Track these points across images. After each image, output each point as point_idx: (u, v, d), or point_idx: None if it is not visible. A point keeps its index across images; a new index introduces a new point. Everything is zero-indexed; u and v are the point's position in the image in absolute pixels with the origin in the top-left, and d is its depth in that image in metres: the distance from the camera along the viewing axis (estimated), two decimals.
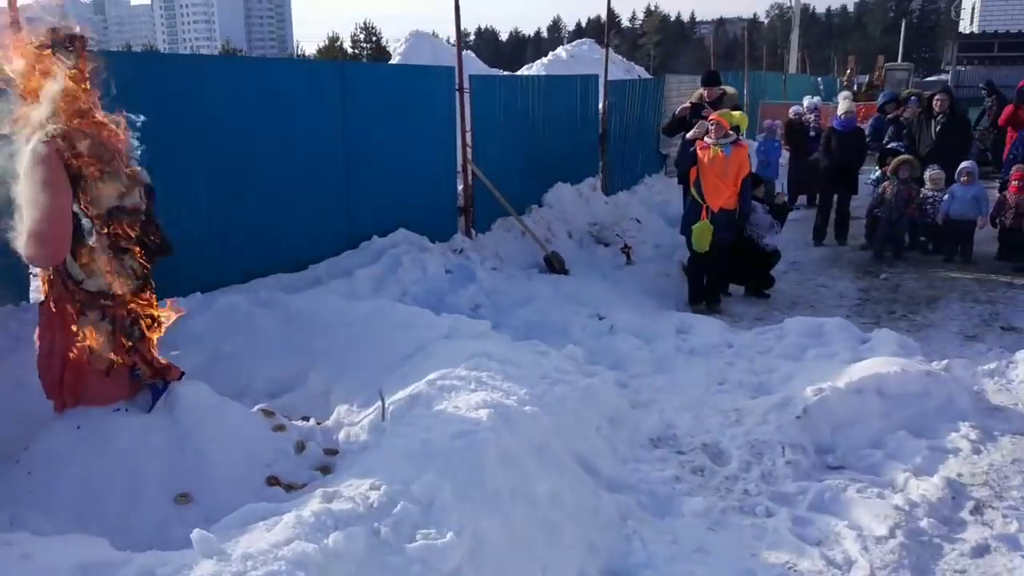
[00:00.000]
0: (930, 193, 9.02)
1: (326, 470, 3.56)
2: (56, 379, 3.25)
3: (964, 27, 21.27)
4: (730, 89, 8.80)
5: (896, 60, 36.51)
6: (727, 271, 7.60)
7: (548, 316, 5.88)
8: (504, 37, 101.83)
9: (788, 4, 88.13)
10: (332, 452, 3.72)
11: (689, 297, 7.56)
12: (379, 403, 3.71)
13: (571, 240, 9.12)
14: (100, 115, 3.13)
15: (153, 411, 3.35)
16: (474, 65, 11.59)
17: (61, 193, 2.95)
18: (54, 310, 3.20)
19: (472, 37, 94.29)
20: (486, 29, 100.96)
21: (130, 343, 3.29)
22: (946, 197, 8.85)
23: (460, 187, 7.78)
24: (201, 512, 3.06)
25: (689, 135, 7.24)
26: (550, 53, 13.38)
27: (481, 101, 7.83)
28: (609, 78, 10.76)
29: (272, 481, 3.40)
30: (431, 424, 3.05)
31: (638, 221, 10.40)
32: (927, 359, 4.78)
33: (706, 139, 7.11)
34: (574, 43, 13.66)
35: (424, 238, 7.02)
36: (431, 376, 3.60)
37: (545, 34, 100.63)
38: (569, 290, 6.94)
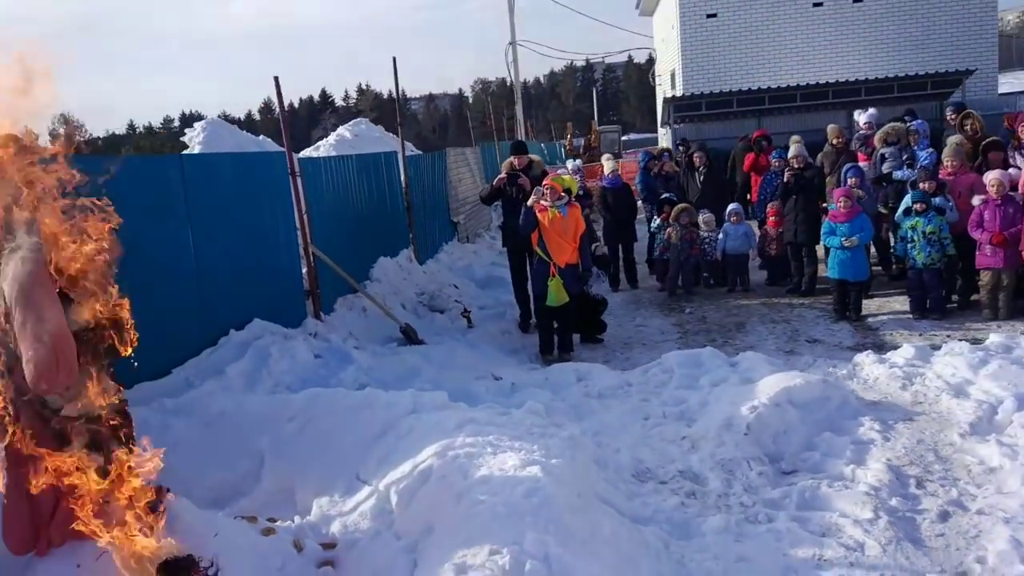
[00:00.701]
0: (706, 234, 10.43)
1: (328, 563, 3.29)
2: (37, 522, 2.63)
3: (667, 91, 24.93)
4: (535, 157, 9.51)
5: (591, 123, 41.43)
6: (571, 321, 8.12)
7: (444, 385, 5.83)
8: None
9: (490, 79, 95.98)
10: (330, 546, 3.42)
11: (541, 348, 7.94)
12: (366, 488, 3.49)
13: (406, 311, 9.10)
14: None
15: None
16: (272, 147, 11.19)
17: (60, 308, 2.48)
18: (25, 449, 2.60)
19: (177, 124, 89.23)
20: (192, 114, 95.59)
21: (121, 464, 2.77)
22: (721, 236, 10.30)
23: (304, 270, 7.45)
24: None
25: (529, 202, 7.70)
26: (332, 134, 13.34)
27: (311, 183, 7.66)
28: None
29: None
30: (497, 489, 2.96)
31: (456, 287, 10.67)
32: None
33: (543, 202, 7.62)
34: (351, 123, 13.79)
35: (279, 326, 6.63)
36: (432, 449, 3.47)
37: (257, 116, 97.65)
38: (439, 359, 6.94)
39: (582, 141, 34.11)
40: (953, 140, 8.46)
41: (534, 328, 8.90)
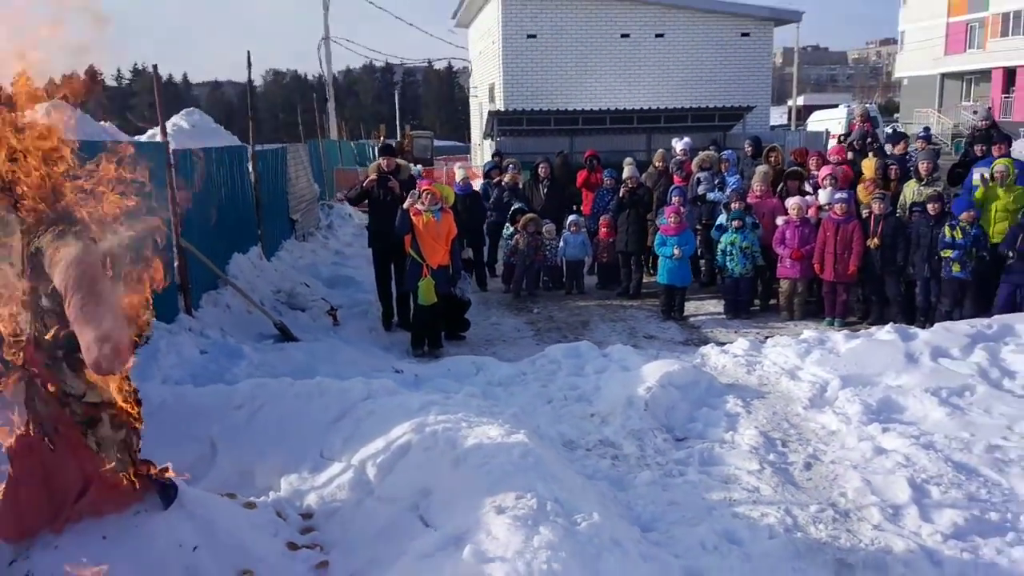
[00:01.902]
0: (548, 241, 11.34)
1: (309, 531, 3.54)
2: (57, 504, 2.61)
3: (483, 103, 26.02)
4: (402, 162, 9.81)
5: (392, 125, 41.88)
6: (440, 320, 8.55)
7: (347, 378, 6.03)
8: None
9: (283, 69, 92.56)
10: (307, 516, 3.64)
11: (412, 343, 8.30)
12: (336, 464, 3.74)
13: (260, 311, 8.96)
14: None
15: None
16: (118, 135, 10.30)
17: (117, 296, 2.53)
18: (46, 437, 2.60)
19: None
20: None
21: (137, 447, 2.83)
22: (561, 243, 11.25)
23: (175, 264, 7.17)
24: None
25: (406, 205, 8.01)
26: (169, 123, 12.49)
27: (181, 176, 7.42)
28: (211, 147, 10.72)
29: (292, 546, 3.29)
30: (493, 453, 3.37)
31: (307, 285, 10.64)
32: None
33: (418, 206, 7.99)
34: (185, 112, 13.01)
35: (159, 322, 6.39)
36: (405, 427, 3.80)
37: None
38: (323, 355, 7.05)
39: (393, 144, 34.26)
40: (761, 169, 10.03)
41: (396, 327, 9.21)
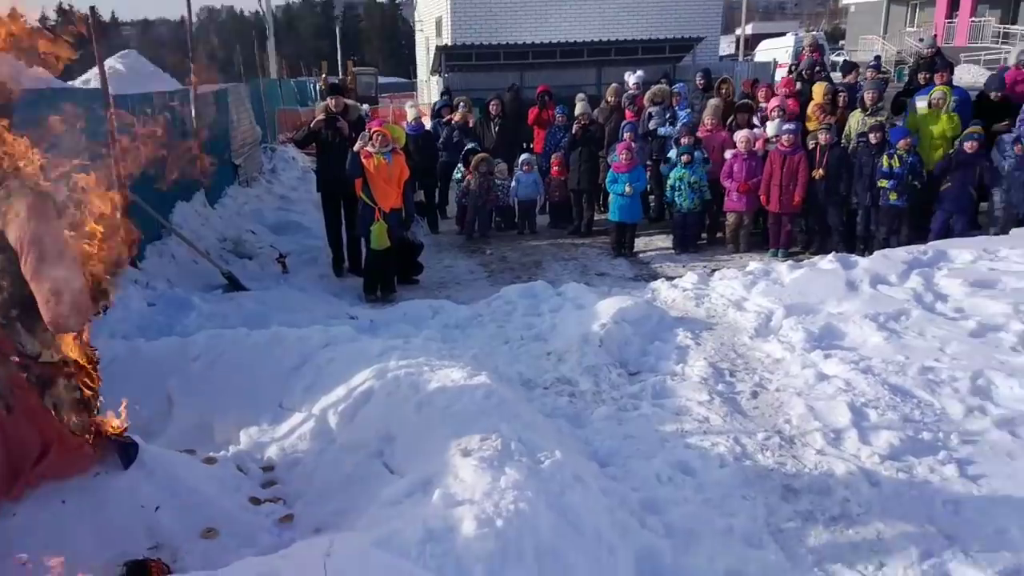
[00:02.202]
0: (500, 182, 11.27)
1: (271, 484, 3.58)
2: (16, 467, 2.59)
3: (430, 38, 25.36)
4: (351, 101, 9.56)
5: (334, 61, 40.53)
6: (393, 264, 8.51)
7: (303, 325, 6.00)
8: None
9: (217, 6, 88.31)
10: (268, 468, 3.68)
11: (365, 288, 8.27)
12: (296, 415, 3.77)
13: (208, 261, 8.79)
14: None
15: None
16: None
17: (74, 251, 2.47)
18: (2, 400, 2.56)
19: None
20: None
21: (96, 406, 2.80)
22: (513, 184, 11.20)
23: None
24: (233, 540, 2.93)
25: (356, 147, 7.85)
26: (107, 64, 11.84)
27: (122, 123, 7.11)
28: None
29: (254, 501, 3.33)
30: (457, 396, 3.43)
31: (254, 232, 10.44)
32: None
33: (368, 148, 7.84)
34: (120, 55, 12.33)
35: None
36: (366, 373, 3.84)
37: None
38: (275, 303, 6.99)
39: (336, 81, 33.31)
40: (712, 103, 10.07)
41: (347, 272, 9.13)
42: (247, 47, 24.50)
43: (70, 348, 2.76)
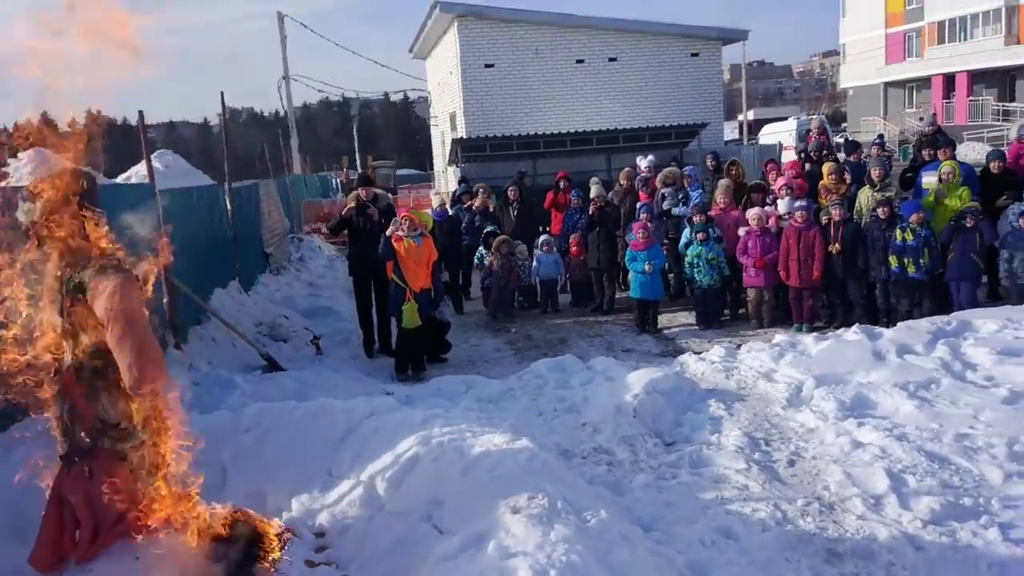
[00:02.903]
0: (521, 262, 11.56)
1: (323, 549, 3.67)
2: (94, 533, 2.72)
3: (445, 131, 26.33)
4: (379, 190, 10.00)
5: (352, 156, 42.03)
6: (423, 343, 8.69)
7: None
8: None
9: (238, 108, 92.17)
10: (320, 534, 3.76)
11: (397, 368, 8.43)
12: (345, 482, 3.88)
13: (247, 343, 9.02)
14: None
15: None
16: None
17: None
18: (86, 466, 2.73)
19: None
20: None
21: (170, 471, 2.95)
22: (534, 263, 11.49)
23: (165, 301, 7.23)
24: None
25: (388, 231, 8.20)
26: (140, 164, 12.54)
27: (169, 215, 7.53)
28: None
29: (309, 564, 3.43)
30: (501, 459, 3.53)
31: (286, 318, 10.70)
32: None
33: (399, 232, 8.17)
34: (157, 154, 13.06)
35: None
36: (411, 440, 3.95)
37: None
38: (312, 382, 7.15)
39: (356, 175, 34.38)
40: (723, 183, 10.43)
41: (378, 352, 9.32)
42: (272, 145, 25.51)
43: (146, 416, 2.92)
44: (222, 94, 9.98)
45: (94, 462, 2.78)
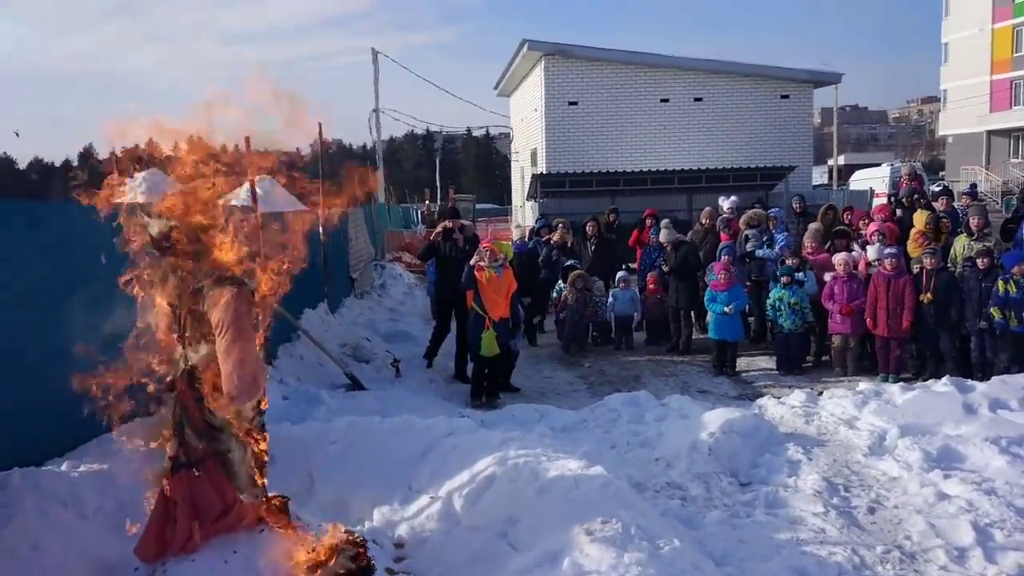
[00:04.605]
0: (598, 298, 11.63)
1: (401, 559, 3.81)
2: (197, 523, 2.96)
3: (524, 167, 26.79)
4: (466, 222, 10.36)
5: (434, 189, 43.17)
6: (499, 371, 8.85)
7: None
8: (23, 166, 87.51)
9: (346, 141, 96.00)
10: (399, 545, 3.92)
11: (472, 394, 8.61)
12: (424, 496, 4.03)
13: (333, 362, 9.39)
14: None
15: None
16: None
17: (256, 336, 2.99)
18: (194, 466, 2.99)
19: None
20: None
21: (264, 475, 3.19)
22: (610, 300, 11.54)
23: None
24: None
25: (472, 261, 8.47)
26: (241, 190, 13.32)
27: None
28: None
29: (390, 572, 3.57)
30: (575, 483, 3.63)
31: (368, 340, 11.07)
32: None
33: (481, 263, 8.41)
34: (257, 179, 13.83)
35: None
36: (488, 460, 4.09)
37: (76, 162, 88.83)
38: (392, 402, 7.39)
39: (437, 207, 35.23)
40: (813, 226, 10.29)
41: (453, 379, 9.54)
42: (364, 174, 26.47)
43: (245, 425, 3.17)
44: (320, 125, 10.52)
45: (199, 463, 3.02)
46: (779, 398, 7.27)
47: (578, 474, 3.81)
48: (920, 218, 9.65)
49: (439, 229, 9.70)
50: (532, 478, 3.85)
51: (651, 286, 11.55)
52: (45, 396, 3.92)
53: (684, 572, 3.00)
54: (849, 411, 6.38)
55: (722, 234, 11.53)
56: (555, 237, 12.81)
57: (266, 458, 3.33)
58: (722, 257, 10.34)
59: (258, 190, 12.32)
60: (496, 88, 32.10)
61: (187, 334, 3.10)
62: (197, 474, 3.03)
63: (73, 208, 3.66)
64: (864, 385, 7.19)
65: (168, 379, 3.14)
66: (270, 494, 3.39)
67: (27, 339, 4.00)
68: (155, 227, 3.26)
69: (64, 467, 3.96)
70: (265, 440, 3.34)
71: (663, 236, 11.37)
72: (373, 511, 4.12)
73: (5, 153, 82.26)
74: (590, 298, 11.50)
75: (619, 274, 11.70)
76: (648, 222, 12.38)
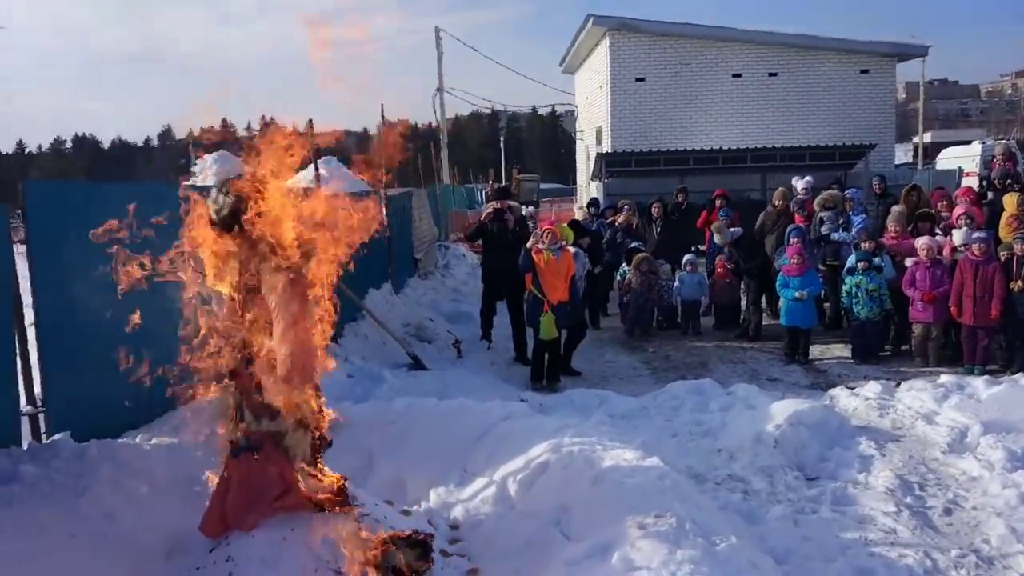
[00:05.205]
0: (664, 281, 11.39)
1: (456, 541, 3.81)
2: (259, 503, 3.03)
3: (590, 146, 26.47)
4: (514, 204, 10.32)
5: (498, 168, 43.09)
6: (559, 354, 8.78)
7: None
8: (106, 145, 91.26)
9: (393, 120, 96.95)
10: (454, 527, 3.93)
11: (532, 376, 8.58)
12: (479, 480, 4.03)
13: (396, 341, 9.52)
14: None
15: None
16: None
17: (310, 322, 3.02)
18: (252, 447, 3.05)
19: (68, 145, 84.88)
20: (85, 136, 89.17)
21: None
22: (677, 283, 11.29)
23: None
24: None
25: (528, 244, 8.41)
26: (309, 169, 13.60)
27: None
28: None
29: (444, 553, 3.59)
30: (630, 474, 3.56)
31: (431, 320, 11.16)
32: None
33: (539, 245, 8.33)
34: (322, 160, 14.06)
35: None
36: (543, 447, 4.06)
37: (156, 142, 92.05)
38: (453, 382, 7.43)
39: (501, 186, 35.16)
40: (896, 209, 9.79)
41: (514, 361, 9.52)
42: (424, 156, 26.70)
43: (305, 408, 3.21)
44: (382, 107, 10.59)
45: (258, 446, 3.08)
46: (852, 389, 6.97)
47: (634, 465, 3.73)
48: (1012, 200, 9.06)
49: (489, 210, 9.69)
50: (586, 466, 3.79)
51: (720, 270, 11.24)
52: (123, 374, 4.03)
53: (740, 570, 2.90)
54: (928, 405, 6.07)
55: (796, 216, 11.11)
56: (620, 219, 12.58)
57: (327, 439, 3.37)
58: (791, 240, 9.96)
59: (322, 171, 12.59)
60: (561, 65, 31.72)
61: (247, 317, 3.14)
62: (256, 456, 3.09)
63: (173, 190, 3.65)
64: (945, 377, 6.82)
65: (227, 364, 3.20)
66: (329, 474, 3.43)
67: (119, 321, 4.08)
68: (223, 206, 3.26)
69: (138, 439, 4.11)
70: (325, 421, 3.38)
71: (717, 239, 10.98)
72: (430, 492, 4.15)
73: (89, 134, 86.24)
74: (655, 281, 11.27)
75: (686, 257, 11.42)
76: (718, 203, 12.03)
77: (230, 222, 3.15)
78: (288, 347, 2.92)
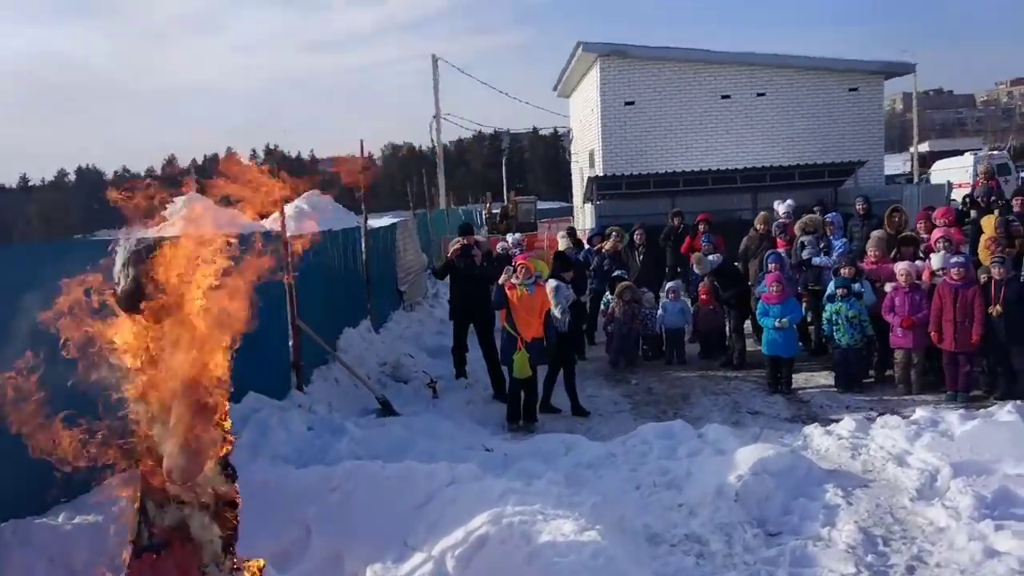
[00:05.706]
0: (647, 310, 11.24)
1: None
2: None
3: (584, 168, 26.42)
4: (480, 238, 10.25)
5: (500, 191, 43.11)
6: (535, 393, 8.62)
7: (439, 457, 6.17)
8: (109, 175, 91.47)
9: (398, 143, 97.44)
10: None
11: (508, 416, 8.41)
12: (418, 555, 3.87)
13: (370, 382, 9.38)
14: None
15: None
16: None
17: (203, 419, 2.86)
18: (157, 544, 2.89)
19: (72, 177, 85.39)
20: (88, 168, 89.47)
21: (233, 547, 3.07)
22: (660, 311, 11.14)
23: (290, 343, 7.67)
24: None
25: (501, 280, 8.28)
26: (290, 206, 13.49)
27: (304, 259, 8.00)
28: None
29: None
30: (565, 551, 3.41)
31: (412, 356, 11.01)
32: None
33: (512, 280, 8.20)
34: (306, 195, 13.96)
35: (272, 399, 6.84)
36: (483, 517, 3.90)
37: (159, 171, 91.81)
38: (421, 429, 7.27)
39: (499, 209, 35.21)
40: (876, 235, 9.63)
41: (493, 399, 9.35)
42: (421, 179, 26.68)
43: (211, 493, 3.04)
44: (361, 142, 10.58)
45: (163, 545, 2.92)
46: (828, 426, 6.79)
47: (570, 540, 3.58)
48: (989, 223, 8.91)
49: (456, 246, 9.61)
50: (523, 542, 3.65)
51: (703, 296, 11.09)
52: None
53: None
54: (900, 444, 5.89)
55: (778, 240, 10.98)
56: (607, 245, 12.46)
57: (236, 524, 3.19)
58: (769, 266, 9.81)
59: (305, 206, 12.50)
60: (555, 90, 31.82)
61: (149, 401, 3.00)
62: (157, 557, 2.93)
63: None
64: (921, 412, 6.64)
65: (130, 449, 3.05)
66: (247, 563, 3.27)
67: None
68: (127, 282, 3.09)
69: (60, 518, 3.97)
70: (235, 509, 3.22)
71: (697, 269, 10.90)
72: (367, 569, 3.98)
73: (92, 165, 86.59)
74: (638, 310, 11.13)
75: (668, 284, 11.29)
76: (701, 228, 11.88)
77: (134, 303, 3.02)
78: (172, 444, 2.78)
